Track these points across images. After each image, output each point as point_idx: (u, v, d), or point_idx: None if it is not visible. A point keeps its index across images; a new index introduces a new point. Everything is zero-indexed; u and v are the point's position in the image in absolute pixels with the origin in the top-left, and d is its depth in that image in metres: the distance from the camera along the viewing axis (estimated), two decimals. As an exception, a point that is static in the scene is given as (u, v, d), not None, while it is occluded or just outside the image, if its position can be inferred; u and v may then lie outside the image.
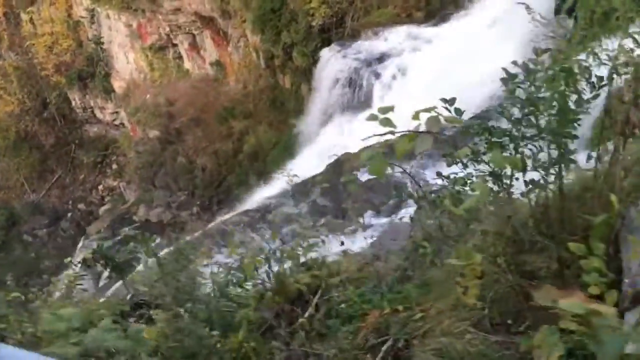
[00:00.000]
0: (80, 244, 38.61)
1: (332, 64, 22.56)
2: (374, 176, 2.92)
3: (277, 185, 22.22)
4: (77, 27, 44.35)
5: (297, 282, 3.88)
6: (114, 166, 45.70)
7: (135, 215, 36.94)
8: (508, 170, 3.06)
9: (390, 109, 2.80)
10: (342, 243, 5.99)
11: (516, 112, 5.63)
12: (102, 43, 43.37)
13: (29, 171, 44.28)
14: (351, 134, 20.74)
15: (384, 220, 11.75)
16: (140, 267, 5.42)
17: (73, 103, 45.68)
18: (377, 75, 20.99)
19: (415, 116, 2.76)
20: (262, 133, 36.67)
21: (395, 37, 21.62)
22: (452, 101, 5.70)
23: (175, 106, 40.90)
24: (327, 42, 29.14)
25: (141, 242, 4.68)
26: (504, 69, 5.60)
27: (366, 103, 21.29)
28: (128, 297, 4.84)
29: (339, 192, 13.19)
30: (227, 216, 15.84)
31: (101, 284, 32.52)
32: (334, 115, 22.17)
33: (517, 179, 5.58)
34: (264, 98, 38.24)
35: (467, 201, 2.66)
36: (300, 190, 13.53)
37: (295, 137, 31.01)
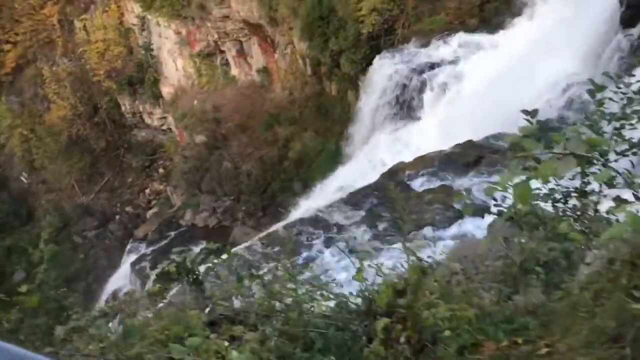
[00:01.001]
0: (128, 247, 39.34)
1: (383, 71, 22.34)
2: (518, 204, 2.71)
3: (325, 192, 22.16)
4: (128, 34, 45.39)
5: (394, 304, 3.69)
6: (161, 170, 46.48)
7: (182, 220, 37.40)
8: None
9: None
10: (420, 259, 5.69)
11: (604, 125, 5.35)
12: (152, 50, 44.26)
13: (80, 174, 45.41)
14: (401, 142, 20.46)
15: (443, 233, 11.47)
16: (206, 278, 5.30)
17: (123, 108, 46.71)
18: (429, 83, 20.66)
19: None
20: (307, 140, 36.69)
21: (448, 45, 21.27)
22: (534, 113, 5.44)
23: (221, 112, 41.39)
24: (376, 50, 28.93)
25: (216, 254, 4.56)
26: (591, 80, 5.32)
27: (417, 111, 21.01)
28: (206, 310, 4.72)
29: (393, 201, 12.95)
30: (282, 223, 15.79)
31: (147, 286, 32.88)
32: (384, 122, 21.92)
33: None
34: (309, 105, 38.29)
35: (612, 229, 2.43)
36: (356, 198, 13.35)
37: (342, 145, 30.87)
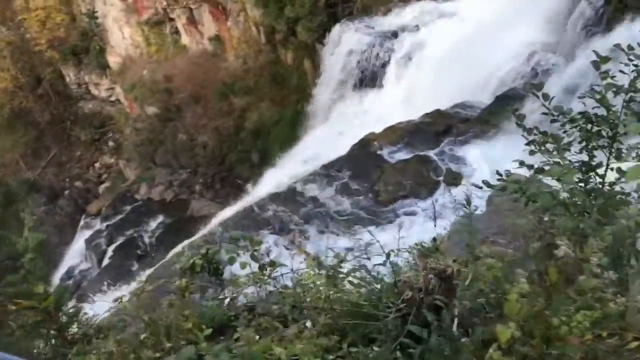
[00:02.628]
0: (81, 223, 38.23)
1: (345, 39, 22.10)
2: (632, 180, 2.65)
3: (290, 163, 21.99)
4: (70, 1, 43.24)
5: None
6: (111, 143, 45.04)
7: (137, 194, 36.56)
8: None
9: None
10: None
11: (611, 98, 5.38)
12: (97, 17, 42.36)
13: (24, 149, 43.51)
14: (365, 111, 20.44)
15: (422, 205, 11.58)
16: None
17: (67, 79, 44.78)
18: (391, 52, 20.60)
19: None
20: (264, 110, 36.23)
21: (410, 13, 21.19)
22: (539, 86, 5.45)
23: (173, 82, 40.24)
24: (333, 18, 28.64)
25: (250, 243, 4.37)
26: (595, 52, 5.34)
27: (380, 80, 20.97)
28: (226, 302, 4.55)
29: (369, 173, 12.97)
30: (252, 198, 15.55)
31: (105, 263, 32.14)
32: (346, 92, 21.80)
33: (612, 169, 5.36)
34: (264, 74, 37.68)
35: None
36: (329, 171, 13.29)
37: (303, 114, 30.60)
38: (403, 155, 13.43)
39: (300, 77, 35.09)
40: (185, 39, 41.49)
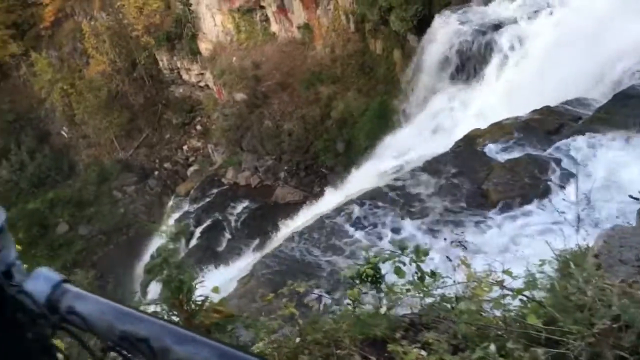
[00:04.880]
0: (170, 203, 39.68)
1: (444, 30, 21.52)
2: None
3: (379, 158, 21.78)
4: (166, -12, 44.68)
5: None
6: (199, 127, 46.41)
7: (224, 178, 37.48)
8: None
9: None
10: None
11: None
12: (190, 5, 43.54)
13: (119, 130, 45.55)
14: (463, 106, 19.86)
15: (530, 208, 11.09)
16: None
17: (160, 64, 46.39)
18: (493, 45, 19.88)
19: None
20: (350, 99, 36.14)
21: (516, 3, 20.30)
22: None
23: (261, 69, 40.88)
24: (428, 7, 28.02)
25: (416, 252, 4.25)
26: None
27: (480, 73, 20.31)
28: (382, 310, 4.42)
29: (475, 172, 12.57)
30: (343, 192, 15.50)
31: (192, 244, 33.23)
32: (443, 85, 21.27)
33: None
34: (352, 63, 37.58)
35: None
36: (433, 167, 12.98)
37: (390, 106, 30.26)
38: (511, 153, 12.91)
39: (389, 67, 34.70)
40: (274, 27, 41.97)
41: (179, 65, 46.30)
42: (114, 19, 45.01)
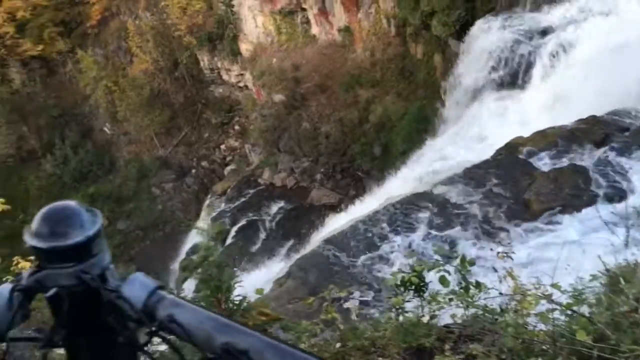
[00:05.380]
0: (206, 202, 40.18)
1: (487, 36, 21.21)
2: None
3: (416, 163, 21.57)
4: (209, -11, 45.29)
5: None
6: (237, 127, 46.88)
7: (260, 178, 37.76)
8: None
9: None
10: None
11: None
12: (233, 6, 44.02)
13: (159, 127, 46.35)
14: (505, 113, 19.53)
15: (574, 219, 10.82)
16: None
17: (202, 64, 47.04)
18: (539, 51, 19.48)
19: None
20: (389, 103, 35.99)
21: (564, 10, 19.86)
22: None
23: (300, 71, 41.04)
24: (471, 12, 27.70)
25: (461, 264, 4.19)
26: None
27: (524, 81, 19.94)
28: (424, 319, 4.37)
29: (517, 181, 12.34)
30: (380, 196, 15.39)
31: (227, 242, 33.53)
32: (486, 91, 20.96)
33: None
34: (392, 67, 37.42)
35: None
36: (472, 174, 12.79)
37: (429, 111, 29.99)
38: (555, 163, 12.63)
39: (429, 72, 34.43)
40: (315, 29, 42.10)
41: (219, 65, 46.86)
42: (158, 19, 45.85)
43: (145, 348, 1.11)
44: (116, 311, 1.12)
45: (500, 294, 4.22)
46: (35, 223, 1.17)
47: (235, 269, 26.65)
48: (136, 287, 1.14)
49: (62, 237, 1.14)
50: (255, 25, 44.32)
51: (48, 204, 1.20)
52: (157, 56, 45.73)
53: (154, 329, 1.07)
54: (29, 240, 1.16)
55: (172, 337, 1.07)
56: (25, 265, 7.59)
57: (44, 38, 47.89)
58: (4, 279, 8.07)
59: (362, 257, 10.81)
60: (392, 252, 10.56)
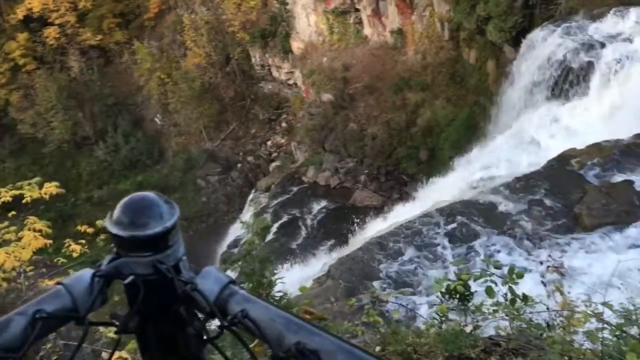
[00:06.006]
0: (250, 197, 40.59)
1: (545, 43, 20.69)
2: None
3: (464, 169, 21.25)
4: (264, -14, 45.71)
5: None
6: (284, 124, 47.19)
7: (304, 176, 37.91)
8: None
9: None
10: None
11: None
12: (287, 3, 44.34)
13: (208, 120, 47.04)
14: (559, 124, 19.02)
15: (626, 236, 10.44)
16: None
17: (253, 60, 47.53)
18: (598, 62, 18.88)
19: None
20: (438, 108, 35.58)
21: (630, 20, 19.16)
22: None
23: (350, 72, 41.00)
24: (529, 19, 27.12)
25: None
26: None
27: (580, 91, 19.37)
28: (468, 329, 4.28)
29: (568, 193, 12.00)
30: (434, 202, 15.19)
31: (269, 238, 33.81)
32: (539, 100, 20.46)
33: None
34: (443, 71, 36.99)
35: None
36: (522, 184, 12.51)
37: (479, 117, 29.49)
38: (609, 177, 12.22)
39: (482, 77, 33.87)
40: (367, 30, 41.97)
41: (270, 62, 47.26)
42: (213, 14, 46.56)
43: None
44: (189, 303, 1.14)
45: (548, 308, 4.10)
46: (116, 212, 1.20)
47: (275, 265, 26.89)
48: (210, 280, 1.15)
49: (141, 227, 1.17)
50: (307, 24, 44.51)
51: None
52: (210, 50, 46.47)
53: (226, 323, 1.08)
54: (110, 227, 1.19)
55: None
56: (75, 248, 7.84)
57: (103, 28, 49.36)
58: (56, 259, 8.33)
59: (404, 261, 10.71)
60: (436, 258, 10.44)
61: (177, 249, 1.22)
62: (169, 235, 1.21)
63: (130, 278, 1.17)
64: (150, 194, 1.22)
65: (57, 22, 47.82)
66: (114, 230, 1.19)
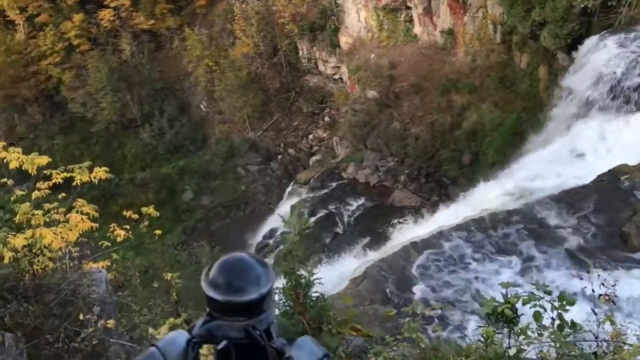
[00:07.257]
0: (289, 189, 40.75)
1: (601, 53, 20.04)
2: None
3: (515, 179, 20.74)
4: (317, -21, 45.66)
5: None
6: (327, 119, 47.16)
7: (344, 172, 37.84)
8: None
9: None
10: None
11: None
12: (338, -2, 44.22)
13: (252, 110, 47.40)
14: (612, 137, 18.41)
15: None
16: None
17: (300, 53, 47.61)
18: (657, 75, 18.20)
19: None
20: (484, 112, 34.94)
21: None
22: None
23: (397, 70, 40.63)
24: (586, 27, 26.34)
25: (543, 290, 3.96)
26: None
27: (636, 104, 18.70)
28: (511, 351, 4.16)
29: (616, 211, 11.61)
30: (476, 208, 14.93)
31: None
32: (592, 111, 19.85)
33: None
34: (492, 75, 36.28)
35: None
36: (570, 198, 12.16)
37: (527, 124, 28.83)
38: (661, 197, 11.78)
39: (532, 83, 33.11)
40: (417, 29, 41.50)
41: (317, 55, 47.26)
42: (264, 4, 46.80)
43: None
44: None
45: (596, 338, 3.96)
46: (212, 272, 1.20)
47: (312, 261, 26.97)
48: (305, 352, 1.14)
49: (238, 292, 1.18)
50: (357, 20, 44.28)
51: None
52: (259, 41, 46.74)
53: None
54: (206, 289, 1.20)
55: None
56: (120, 233, 7.99)
57: (156, 13, 50.17)
58: (100, 243, 8.48)
59: (442, 270, 10.55)
60: (478, 273, 10.24)
61: (270, 313, 1.23)
62: (263, 301, 1.23)
63: (224, 343, 1.16)
64: (246, 257, 1.22)
65: (112, 4, 48.84)
66: (210, 292, 1.20)
